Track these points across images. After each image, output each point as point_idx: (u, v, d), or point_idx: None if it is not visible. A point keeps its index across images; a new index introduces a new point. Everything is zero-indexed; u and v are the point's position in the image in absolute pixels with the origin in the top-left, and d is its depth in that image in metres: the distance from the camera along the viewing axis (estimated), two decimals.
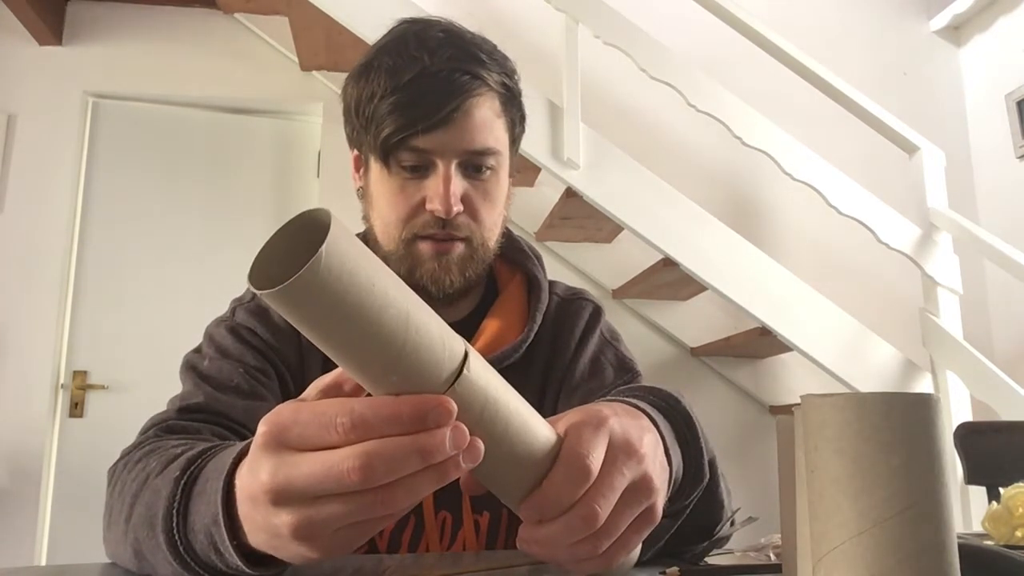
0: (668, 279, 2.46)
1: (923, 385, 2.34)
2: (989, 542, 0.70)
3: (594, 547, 0.45)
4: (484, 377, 0.42)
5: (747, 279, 2.30)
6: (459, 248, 0.76)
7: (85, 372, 2.67)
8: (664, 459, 0.51)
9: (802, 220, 2.90)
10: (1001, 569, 0.51)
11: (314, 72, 2.85)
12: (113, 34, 2.86)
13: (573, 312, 0.87)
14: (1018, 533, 0.70)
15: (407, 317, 0.38)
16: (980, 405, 2.23)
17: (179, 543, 0.49)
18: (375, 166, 0.77)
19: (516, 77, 0.80)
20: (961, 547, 0.37)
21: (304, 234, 0.37)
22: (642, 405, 0.55)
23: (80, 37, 2.84)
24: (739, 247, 2.34)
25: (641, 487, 0.47)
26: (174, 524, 0.50)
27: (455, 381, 0.40)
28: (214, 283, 2.69)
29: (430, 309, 0.40)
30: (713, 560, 0.64)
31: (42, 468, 2.56)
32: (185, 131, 2.89)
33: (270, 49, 2.89)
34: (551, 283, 0.89)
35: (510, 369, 0.79)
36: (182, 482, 0.51)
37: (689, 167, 2.86)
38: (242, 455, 0.46)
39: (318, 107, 2.88)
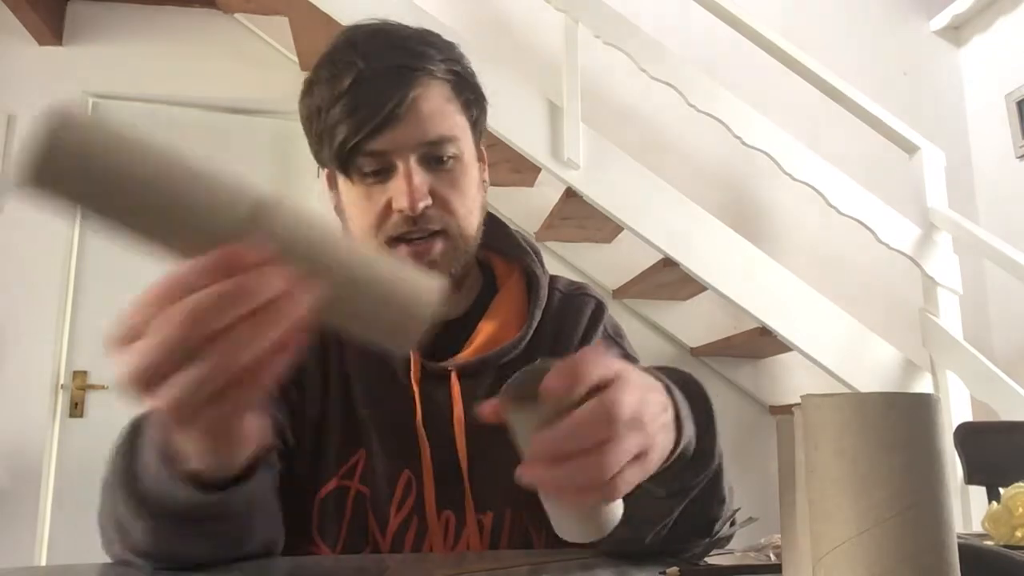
0: (668, 279, 2.46)
1: (923, 385, 2.34)
2: (989, 542, 0.70)
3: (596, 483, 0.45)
4: (289, 216, 0.41)
5: (747, 279, 2.30)
6: (438, 245, 0.75)
7: (85, 372, 2.67)
8: (669, 422, 0.52)
9: (802, 220, 2.90)
10: (1001, 569, 0.52)
11: None
12: (113, 34, 2.86)
13: (576, 308, 0.86)
14: (1018, 533, 0.70)
15: (173, 179, 0.40)
16: (980, 405, 2.23)
17: (138, 479, 0.55)
18: (340, 178, 0.77)
19: (465, 61, 0.79)
20: (961, 547, 0.37)
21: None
22: (663, 379, 0.55)
23: (80, 37, 2.84)
24: (739, 247, 2.34)
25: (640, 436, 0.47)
26: (128, 464, 0.55)
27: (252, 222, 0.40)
28: None
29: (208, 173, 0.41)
30: (713, 560, 0.64)
31: (42, 468, 2.56)
32: (185, 131, 2.89)
33: (270, 49, 2.89)
34: (553, 278, 0.89)
35: (509, 365, 0.79)
36: (126, 434, 0.57)
37: (689, 167, 2.86)
38: None
39: None
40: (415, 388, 0.76)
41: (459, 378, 0.77)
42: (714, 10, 2.41)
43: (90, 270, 2.74)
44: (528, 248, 0.87)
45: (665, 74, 2.34)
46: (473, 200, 0.78)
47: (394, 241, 0.74)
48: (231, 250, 0.39)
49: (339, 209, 0.81)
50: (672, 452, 0.53)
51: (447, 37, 0.79)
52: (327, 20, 2.23)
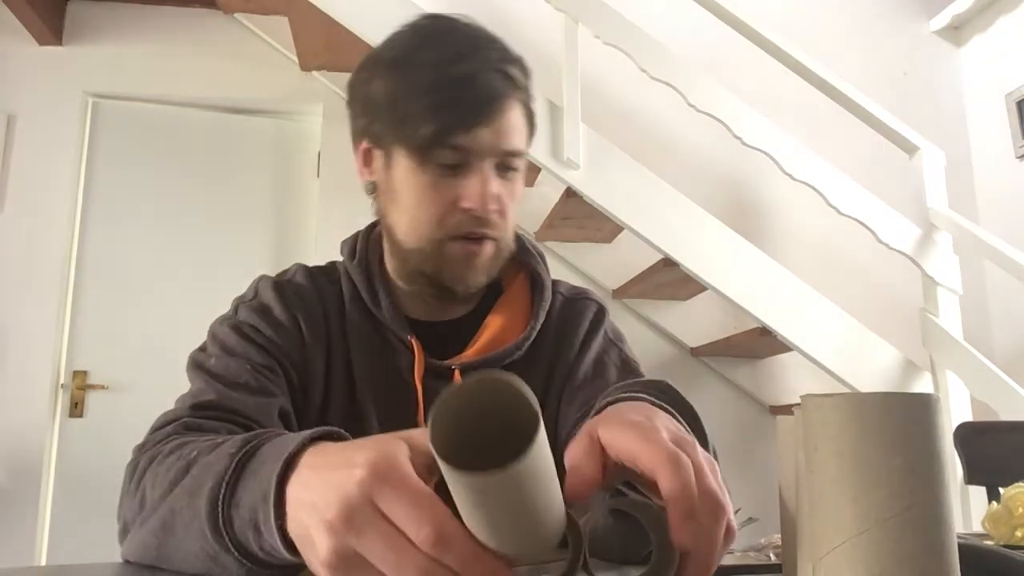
0: (668, 279, 2.46)
1: (923, 385, 2.34)
2: (989, 542, 0.70)
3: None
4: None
5: (747, 279, 2.30)
6: (488, 248, 0.77)
7: (85, 372, 2.67)
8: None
9: (802, 220, 2.90)
10: (1001, 569, 0.51)
11: (314, 72, 2.85)
12: (113, 34, 2.86)
13: (577, 311, 0.87)
14: (1018, 533, 0.70)
15: (557, 505, 0.40)
16: (980, 405, 2.23)
17: (220, 514, 0.50)
18: (405, 162, 0.76)
19: (530, 74, 0.81)
20: (961, 547, 0.37)
21: (487, 398, 0.36)
22: (656, 403, 0.56)
23: (80, 37, 2.84)
24: (739, 247, 2.34)
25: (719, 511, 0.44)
26: (221, 494, 0.50)
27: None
28: (214, 283, 2.69)
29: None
30: None
31: (42, 468, 2.56)
32: (185, 131, 2.89)
33: (270, 49, 2.89)
34: (555, 282, 0.89)
35: (512, 367, 0.79)
36: (236, 458, 0.51)
37: (689, 167, 2.86)
38: (305, 443, 0.47)
39: (318, 107, 2.87)
40: (418, 385, 0.77)
41: (461, 376, 0.78)
42: (714, 10, 2.40)
43: (90, 270, 2.74)
44: (534, 251, 0.88)
45: (665, 74, 2.34)
46: (516, 212, 0.81)
47: (449, 239, 0.75)
48: None
49: (381, 188, 0.80)
50: None
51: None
52: (327, 20, 2.22)
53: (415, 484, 0.40)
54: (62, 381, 2.66)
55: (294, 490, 0.45)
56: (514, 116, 0.76)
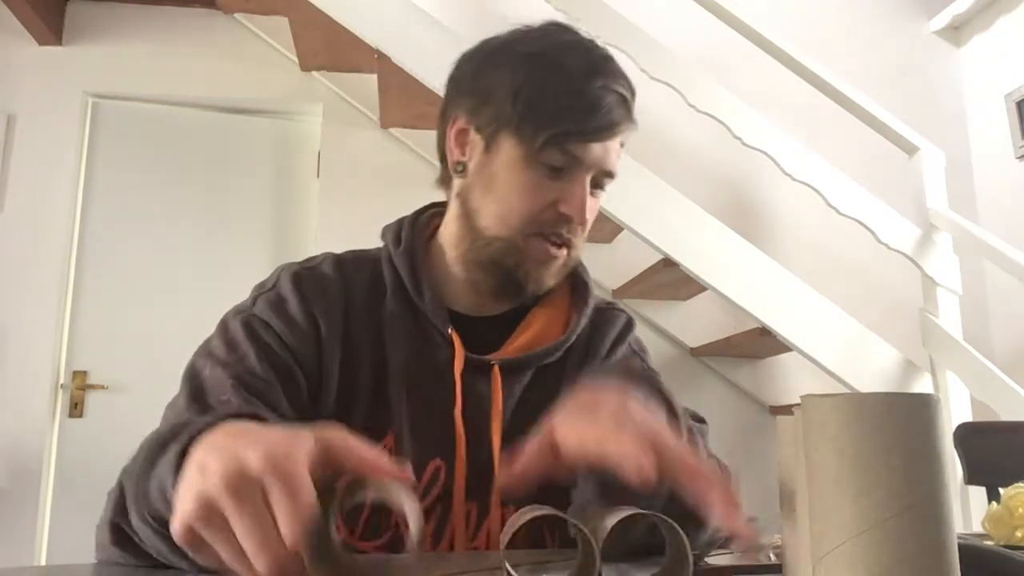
0: (668, 279, 2.46)
1: (923, 385, 2.34)
2: (989, 542, 0.70)
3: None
4: None
5: (747, 279, 2.30)
6: (564, 254, 0.79)
7: (85, 372, 2.67)
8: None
9: (802, 220, 2.90)
10: (1001, 569, 0.51)
11: (314, 72, 2.85)
12: (113, 34, 2.86)
13: (607, 320, 0.89)
14: (1018, 533, 0.70)
15: None
16: (980, 405, 2.23)
17: (139, 488, 0.57)
18: (512, 152, 0.76)
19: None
20: (961, 547, 0.37)
21: None
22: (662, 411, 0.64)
23: (80, 37, 2.84)
24: (739, 247, 2.34)
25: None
26: (142, 469, 0.57)
27: None
28: (214, 282, 2.69)
29: None
30: (713, 560, 0.64)
31: (42, 468, 2.56)
32: (185, 131, 2.89)
33: (270, 49, 2.89)
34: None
35: (548, 368, 0.81)
36: (162, 437, 0.58)
37: (689, 167, 2.86)
38: (218, 421, 0.54)
39: (318, 107, 2.87)
40: (457, 380, 0.77)
41: (501, 372, 0.79)
42: (714, 10, 2.40)
43: (90, 270, 2.74)
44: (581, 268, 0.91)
45: (665, 74, 2.34)
46: None
47: (536, 236, 0.77)
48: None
49: (475, 170, 0.80)
50: None
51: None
52: (327, 20, 2.22)
53: (301, 480, 0.44)
54: (62, 381, 2.66)
55: (197, 452, 0.49)
56: (619, 141, 0.79)
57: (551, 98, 0.74)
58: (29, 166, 2.72)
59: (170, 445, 0.55)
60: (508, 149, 0.76)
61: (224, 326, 0.77)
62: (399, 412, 0.76)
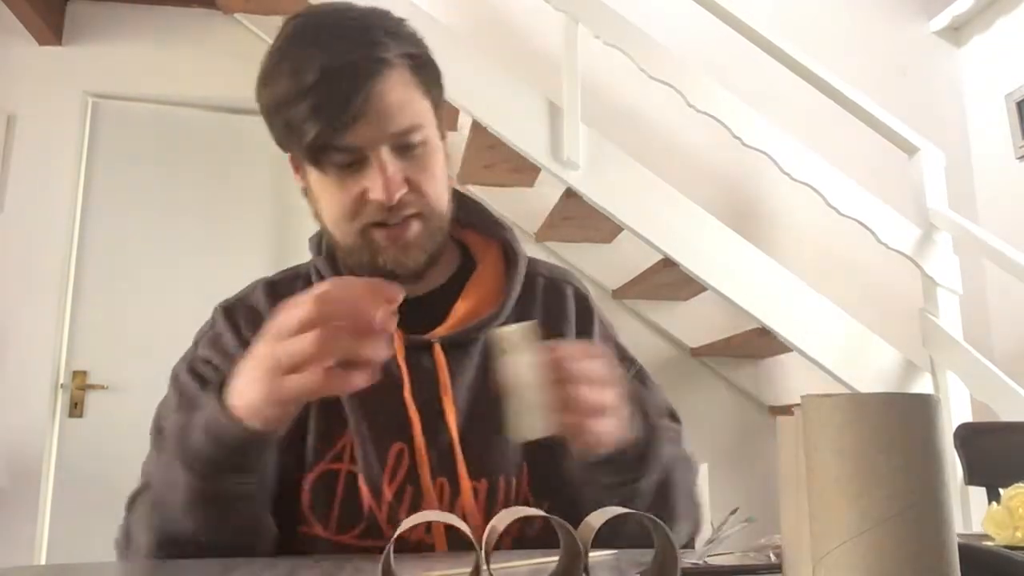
0: (668, 279, 2.46)
1: (923, 385, 2.34)
2: (989, 542, 0.70)
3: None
4: None
5: (747, 279, 2.30)
6: (414, 226, 0.77)
7: (85, 372, 2.67)
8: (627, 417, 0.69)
9: (802, 220, 2.90)
10: (1001, 569, 0.51)
11: None
12: (113, 34, 2.86)
13: (559, 293, 0.90)
14: (1018, 534, 0.70)
15: None
16: (980, 405, 2.23)
17: (189, 459, 0.66)
18: (311, 169, 0.77)
19: (417, 38, 0.79)
20: (961, 547, 0.37)
21: None
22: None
23: (80, 37, 2.84)
24: (739, 247, 2.34)
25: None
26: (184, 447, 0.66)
27: None
28: (214, 282, 2.68)
29: None
30: (713, 560, 0.64)
31: (42, 468, 2.56)
32: (185, 131, 2.89)
33: None
34: (533, 261, 0.91)
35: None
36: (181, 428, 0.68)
37: (689, 167, 2.86)
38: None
39: None
40: (401, 362, 0.78)
41: (443, 349, 0.79)
42: (714, 10, 2.40)
43: (90, 270, 2.74)
44: (503, 223, 0.90)
45: (665, 74, 2.34)
46: (442, 180, 0.80)
47: (370, 227, 0.76)
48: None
49: (308, 193, 0.81)
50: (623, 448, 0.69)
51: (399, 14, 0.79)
52: None
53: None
54: (62, 381, 2.66)
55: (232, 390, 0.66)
56: (393, 94, 0.73)
57: (291, 107, 0.72)
58: (29, 166, 2.72)
59: (195, 417, 0.68)
60: (307, 167, 0.77)
61: (175, 378, 0.81)
62: (352, 407, 0.77)
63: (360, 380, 0.60)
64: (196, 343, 0.83)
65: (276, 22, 2.94)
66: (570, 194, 2.31)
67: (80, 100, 2.80)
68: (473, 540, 0.51)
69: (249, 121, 2.92)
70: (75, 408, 2.65)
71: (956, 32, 3.31)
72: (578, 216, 2.46)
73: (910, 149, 2.48)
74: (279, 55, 0.74)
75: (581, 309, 0.89)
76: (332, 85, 0.71)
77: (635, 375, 0.89)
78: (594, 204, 2.27)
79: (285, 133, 0.75)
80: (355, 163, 0.74)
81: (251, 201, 2.89)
